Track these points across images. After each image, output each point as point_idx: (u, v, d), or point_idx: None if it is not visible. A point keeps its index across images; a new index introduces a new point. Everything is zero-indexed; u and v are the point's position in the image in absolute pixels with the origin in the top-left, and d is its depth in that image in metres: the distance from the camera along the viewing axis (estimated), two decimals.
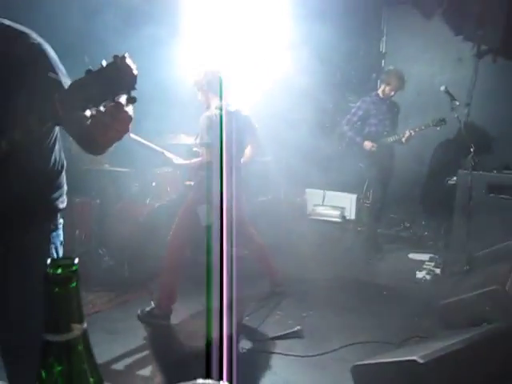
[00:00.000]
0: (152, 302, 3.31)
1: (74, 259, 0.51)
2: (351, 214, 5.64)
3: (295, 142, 4.58)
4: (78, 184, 3.80)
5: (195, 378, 0.65)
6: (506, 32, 4.30)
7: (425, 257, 4.64)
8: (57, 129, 1.48)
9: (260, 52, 4.46)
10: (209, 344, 2.70)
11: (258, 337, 3.15)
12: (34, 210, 1.45)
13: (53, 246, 1.50)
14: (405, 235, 5.39)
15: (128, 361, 2.81)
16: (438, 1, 4.70)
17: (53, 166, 1.49)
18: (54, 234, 1.52)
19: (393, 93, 4.62)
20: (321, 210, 5.66)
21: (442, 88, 4.02)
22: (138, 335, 3.11)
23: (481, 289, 2.66)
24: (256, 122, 3.66)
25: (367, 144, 4.59)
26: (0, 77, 1.28)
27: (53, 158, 1.48)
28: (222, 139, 3.20)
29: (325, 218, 5.56)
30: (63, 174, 1.55)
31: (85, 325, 0.52)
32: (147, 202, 4.16)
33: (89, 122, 1.13)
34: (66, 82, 1.35)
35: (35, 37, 1.37)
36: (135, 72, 1.00)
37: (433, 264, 4.37)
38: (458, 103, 3.97)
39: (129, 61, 1.00)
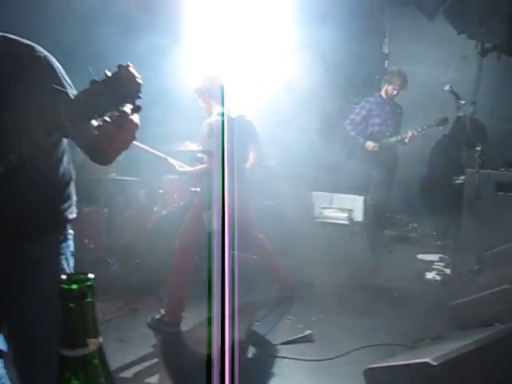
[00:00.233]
0: (162, 310, 3.31)
1: (88, 274, 0.51)
2: (359, 216, 5.62)
3: (300, 145, 4.57)
4: (86, 193, 3.83)
5: None
6: (509, 29, 4.28)
7: (434, 257, 4.62)
8: (65, 140, 1.49)
9: (262, 56, 4.47)
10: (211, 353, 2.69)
11: (269, 342, 3.15)
12: (44, 222, 1.45)
13: (63, 257, 1.51)
14: (413, 236, 5.37)
15: (138, 368, 2.81)
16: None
17: (61, 178, 1.50)
18: (65, 244, 1.53)
19: (395, 92, 4.61)
20: (328, 212, 5.65)
21: (447, 87, 4.00)
22: (148, 343, 3.11)
23: (492, 288, 2.65)
24: (259, 126, 3.67)
25: (369, 144, 4.59)
26: (7, 90, 1.29)
27: (61, 169, 1.49)
28: (224, 146, 3.21)
29: (332, 221, 5.54)
30: (72, 184, 1.56)
31: (101, 339, 0.52)
32: (155, 209, 4.17)
33: (95, 132, 1.14)
34: (72, 93, 1.37)
35: (41, 50, 1.39)
36: (139, 81, 1.02)
37: (442, 264, 4.34)
38: (463, 102, 3.96)
39: (132, 70, 1.01)
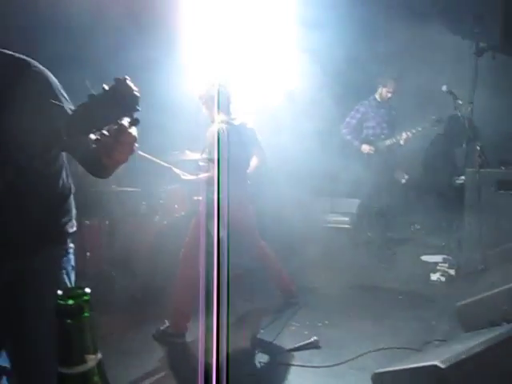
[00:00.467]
0: (166, 321, 3.29)
1: (85, 289, 0.50)
2: (361, 220, 5.59)
3: (299, 150, 4.57)
4: (87, 206, 3.82)
5: None
6: (503, 28, 4.29)
7: (438, 258, 4.60)
8: (63, 154, 1.49)
9: (261, 62, 4.47)
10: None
11: (275, 349, 3.12)
12: (43, 236, 1.45)
13: (64, 272, 1.50)
14: (416, 237, 5.35)
15: (144, 381, 2.79)
16: (433, 0, 4.72)
17: (60, 191, 1.50)
18: (65, 259, 1.52)
19: (390, 95, 4.63)
20: (330, 217, 5.63)
21: (444, 88, 4.01)
22: (154, 355, 3.09)
23: (498, 288, 2.62)
24: (260, 133, 3.67)
25: (365, 147, 4.61)
26: (4, 105, 1.29)
27: (60, 183, 1.49)
28: (227, 154, 3.21)
29: (334, 225, 5.52)
30: (71, 198, 1.55)
31: (99, 355, 0.51)
32: (156, 219, 4.16)
33: (93, 145, 1.14)
34: (69, 107, 1.37)
35: (37, 64, 1.39)
36: (137, 94, 1.01)
37: (446, 265, 4.31)
38: (461, 102, 3.97)
39: (130, 83, 1.01)
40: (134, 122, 1.04)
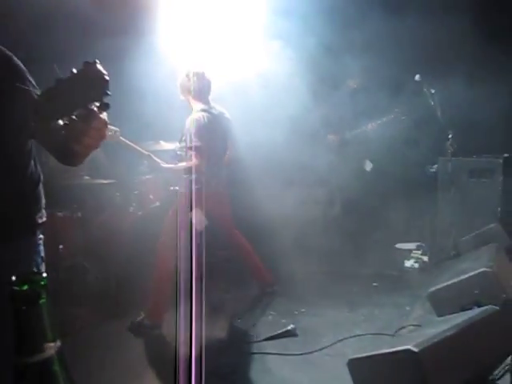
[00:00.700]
0: (142, 313, 3.26)
1: (42, 273, 0.48)
2: (335, 208, 5.62)
3: (271, 140, 4.56)
4: (59, 198, 3.73)
5: None
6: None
7: (412, 246, 4.67)
8: (30, 142, 1.44)
9: (235, 50, 4.42)
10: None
11: (252, 338, 3.13)
12: (12, 226, 1.40)
13: (34, 264, 1.45)
14: (389, 225, 5.41)
15: (121, 375, 2.75)
16: None
17: (29, 180, 1.45)
18: (35, 250, 1.48)
19: (355, 86, 4.73)
20: (302, 206, 5.62)
21: (417, 77, 4.05)
22: (130, 347, 3.06)
23: (468, 273, 2.68)
24: (234, 121, 3.66)
25: (329, 137, 4.68)
26: None
27: (29, 171, 1.44)
28: (209, 142, 3.20)
29: (307, 214, 5.51)
30: (40, 187, 1.51)
31: (58, 343, 0.49)
32: (130, 210, 4.10)
33: (63, 131, 1.10)
34: (36, 93, 1.32)
35: (5, 51, 1.35)
36: (107, 78, 0.98)
37: (420, 252, 4.40)
38: (433, 91, 4.01)
39: (99, 67, 0.97)
40: (104, 107, 1.01)
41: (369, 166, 5.02)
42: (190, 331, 2.53)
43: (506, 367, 2.14)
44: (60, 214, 3.87)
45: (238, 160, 3.98)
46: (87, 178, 4.07)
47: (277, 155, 4.65)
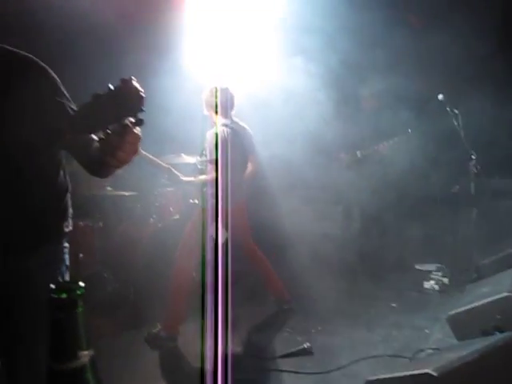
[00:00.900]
0: (158, 324, 3.27)
1: (79, 282, 0.49)
2: (354, 227, 5.57)
3: (293, 156, 4.58)
4: (82, 208, 3.79)
5: None
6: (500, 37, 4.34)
7: (431, 267, 4.59)
8: (61, 152, 1.48)
9: (258, 66, 4.47)
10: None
11: (268, 355, 3.11)
12: (40, 235, 1.43)
13: (58, 272, 1.48)
14: (410, 245, 5.34)
15: None
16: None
17: (58, 190, 1.49)
18: (60, 258, 1.51)
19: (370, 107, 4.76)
20: (320, 223, 5.59)
21: (440, 97, 4.03)
22: (146, 358, 3.07)
23: (490, 297, 2.63)
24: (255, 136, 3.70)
25: (342, 156, 4.69)
26: (7, 102, 1.28)
27: (58, 181, 1.48)
28: (229, 156, 3.23)
29: (325, 232, 5.48)
30: (68, 197, 1.54)
31: (92, 351, 0.50)
32: (150, 222, 4.14)
33: (97, 144, 1.13)
34: (70, 105, 1.36)
35: (40, 62, 1.39)
36: (142, 94, 1.00)
37: (440, 274, 4.31)
38: (457, 111, 3.99)
39: (136, 83, 1.00)
40: (139, 122, 1.04)
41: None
42: (215, 344, 2.53)
43: None
44: (81, 223, 3.93)
45: (259, 175, 4.00)
46: (110, 189, 4.14)
47: (296, 170, 4.66)
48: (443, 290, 4.11)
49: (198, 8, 4.24)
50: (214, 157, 3.20)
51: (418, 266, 4.75)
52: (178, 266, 3.28)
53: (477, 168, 3.90)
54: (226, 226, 3.16)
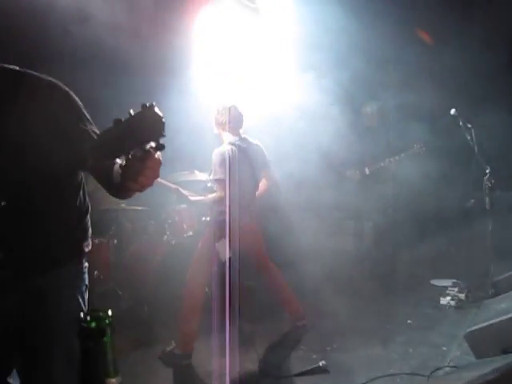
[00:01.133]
0: (172, 342, 3.26)
1: (108, 311, 0.50)
2: (367, 242, 5.53)
3: (306, 170, 4.58)
4: (96, 224, 3.82)
5: None
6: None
7: (447, 282, 4.53)
8: (81, 174, 1.51)
9: (269, 83, 4.50)
10: None
11: (283, 373, 3.08)
12: (61, 255, 1.45)
13: (78, 291, 1.50)
14: (425, 260, 5.29)
15: None
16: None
17: (78, 211, 1.51)
18: (80, 278, 1.52)
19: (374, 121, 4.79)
20: (336, 239, 5.57)
21: (453, 111, 4.02)
22: (160, 376, 3.06)
23: (509, 313, 2.58)
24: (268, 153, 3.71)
25: (349, 173, 4.72)
26: (30, 126, 1.30)
27: (78, 202, 1.50)
28: (234, 174, 3.24)
29: (339, 247, 5.45)
30: (88, 217, 1.56)
31: (120, 378, 0.51)
32: (164, 239, 4.16)
33: (118, 168, 1.15)
34: (93, 129, 1.38)
35: (63, 87, 1.41)
36: (163, 120, 1.02)
37: (456, 289, 4.25)
38: (470, 125, 3.97)
39: (157, 109, 1.01)
40: (160, 147, 1.04)
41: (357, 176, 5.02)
42: (229, 362, 2.53)
43: None
44: (96, 240, 3.96)
45: (272, 191, 4.00)
46: (123, 204, 4.18)
47: (307, 186, 4.66)
48: (460, 306, 4.05)
49: (208, 27, 4.30)
50: (219, 176, 3.23)
51: (433, 282, 4.69)
52: (190, 283, 3.29)
53: (491, 182, 3.87)
54: (232, 244, 3.16)
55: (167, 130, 1.04)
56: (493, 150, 4.55)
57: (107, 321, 0.51)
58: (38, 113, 1.32)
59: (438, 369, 2.92)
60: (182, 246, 3.99)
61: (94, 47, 3.82)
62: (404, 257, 5.23)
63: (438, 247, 5.38)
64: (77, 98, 1.42)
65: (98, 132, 1.33)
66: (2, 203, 1.28)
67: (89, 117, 1.43)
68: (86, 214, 1.55)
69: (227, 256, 3.20)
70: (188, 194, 3.50)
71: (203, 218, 3.81)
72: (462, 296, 4.14)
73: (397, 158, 4.70)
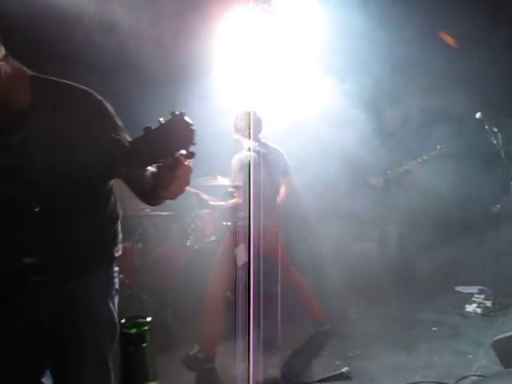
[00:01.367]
0: (196, 346, 3.29)
1: (146, 318, 0.53)
2: (391, 249, 5.48)
3: (328, 177, 4.57)
4: (121, 230, 3.90)
5: None
6: None
7: (473, 289, 4.45)
8: (112, 182, 1.54)
9: (291, 89, 4.51)
10: None
11: (305, 379, 3.07)
12: (92, 260, 1.49)
13: (109, 295, 1.53)
14: (450, 267, 5.20)
15: None
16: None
17: (110, 217, 1.54)
18: (111, 283, 1.56)
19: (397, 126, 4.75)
20: (360, 245, 5.53)
21: (478, 115, 3.97)
22: (183, 380, 3.08)
23: None
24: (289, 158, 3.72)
25: (372, 180, 4.67)
26: (64, 134, 1.34)
27: (109, 208, 1.53)
28: (253, 181, 3.26)
29: (363, 253, 5.41)
30: (118, 223, 1.60)
31: (158, 382, 0.53)
32: (187, 244, 4.20)
33: (150, 176, 1.17)
34: (125, 137, 1.41)
35: (96, 95, 1.44)
36: (193, 128, 1.03)
37: (482, 296, 4.17)
38: (496, 129, 3.91)
39: (187, 118, 1.02)
40: (190, 155, 1.05)
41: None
42: (248, 367, 2.54)
43: None
44: (121, 245, 4.03)
45: (293, 196, 4.01)
46: (147, 210, 4.24)
47: (331, 192, 4.65)
48: (486, 313, 3.97)
49: (229, 32, 4.33)
50: (237, 182, 3.25)
51: (458, 289, 4.61)
52: (211, 288, 3.31)
53: None
54: (252, 249, 3.18)
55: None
56: None
57: (146, 327, 0.53)
58: (73, 121, 1.35)
59: (464, 377, 2.87)
60: (205, 250, 4.03)
61: (118, 55, 3.91)
62: (428, 263, 5.15)
63: (463, 253, 5.29)
64: (110, 107, 1.45)
65: (130, 140, 1.35)
66: (37, 209, 1.32)
67: (121, 125, 1.45)
68: (117, 220, 1.58)
69: (244, 261, 3.21)
70: (208, 198, 3.53)
71: (224, 223, 3.85)
72: (489, 303, 4.07)
73: (419, 160, 4.64)
